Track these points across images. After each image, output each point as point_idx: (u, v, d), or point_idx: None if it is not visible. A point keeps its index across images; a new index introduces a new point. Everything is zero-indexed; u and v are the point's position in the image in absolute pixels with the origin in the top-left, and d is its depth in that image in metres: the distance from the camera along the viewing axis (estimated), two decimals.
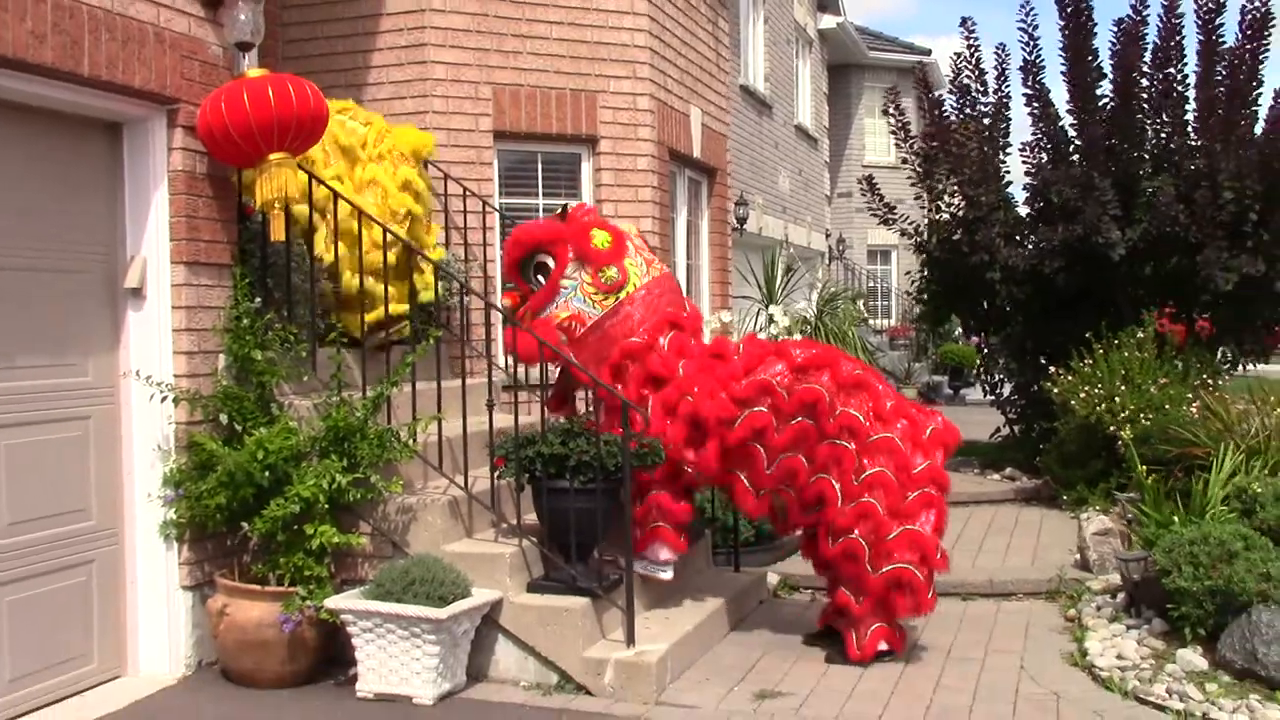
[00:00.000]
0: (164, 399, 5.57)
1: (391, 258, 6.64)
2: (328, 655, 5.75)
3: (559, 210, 6.43)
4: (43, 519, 5.24)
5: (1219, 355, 10.70)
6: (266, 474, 5.52)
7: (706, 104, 10.68)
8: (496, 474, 6.09)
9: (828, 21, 22.88)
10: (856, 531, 5.84)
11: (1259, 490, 6.45)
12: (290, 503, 5.49)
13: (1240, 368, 11.02)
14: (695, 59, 10.35)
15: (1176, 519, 6.58)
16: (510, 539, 6.05)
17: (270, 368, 5.82)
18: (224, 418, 5.71)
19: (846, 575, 5.97)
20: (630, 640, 5.66)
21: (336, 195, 6.34)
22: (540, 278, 6.23)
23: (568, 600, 5.72)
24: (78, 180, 5.46)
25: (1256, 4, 10.17)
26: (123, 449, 5.67)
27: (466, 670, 5.62)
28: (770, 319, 10.64)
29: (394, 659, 5.43)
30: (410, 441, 5.95)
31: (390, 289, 6.61)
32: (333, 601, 5.50)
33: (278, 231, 5.98)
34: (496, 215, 8.33)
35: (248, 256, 6.13)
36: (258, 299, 6.02)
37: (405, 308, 6.96)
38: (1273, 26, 10.13)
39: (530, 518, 6.08)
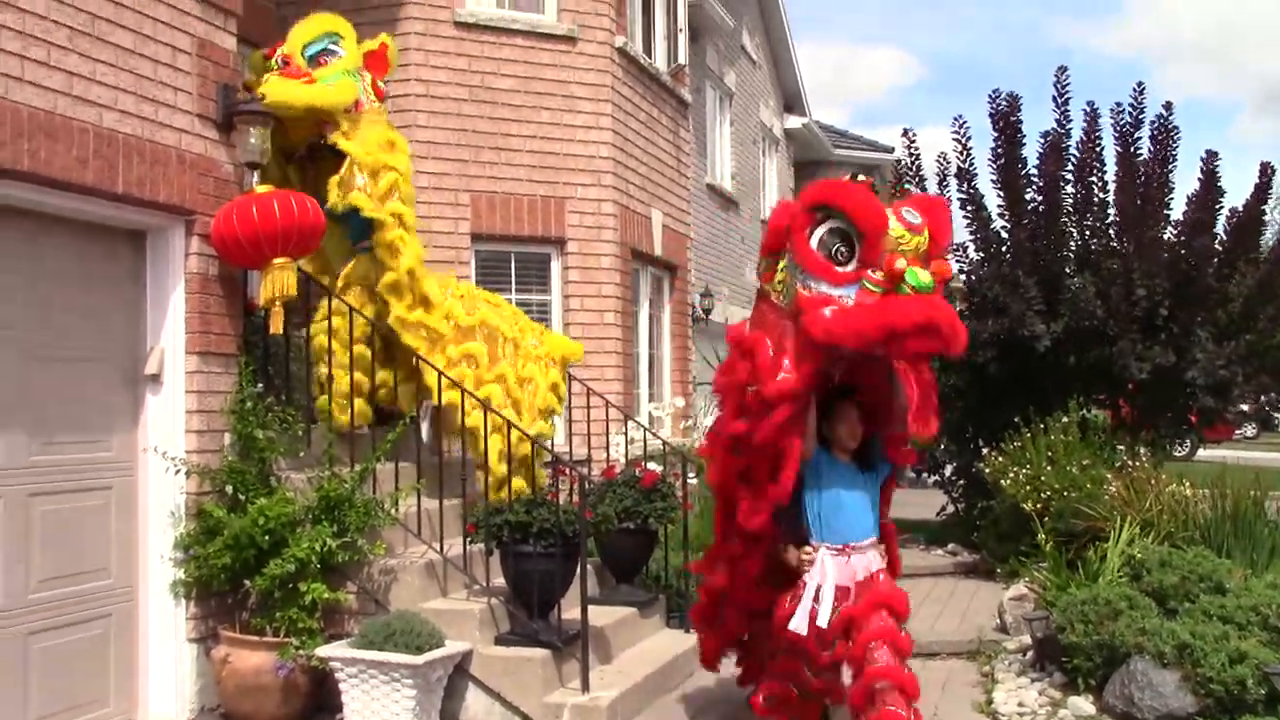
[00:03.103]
0: (177, 472, 6.36)
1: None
2: (318, 701, 6.48)
3: None
4: (70, 576, 6.00)
5: (1168, 440, 11.56)
6: (266, 538, 6.30)
7: (667, 207, 11.65)
8: (468, 539, 6.88)
9: (794, 121, 24.05)
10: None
11: (1143, 557, 7.29)
12: (287, 563, 6.27)
13: (1193, 452, 11.86)
14: (657, 166, 11.34)
15: (1074, 584, 7.40)
16: (480, 598, 6.82)
17: (270, 445, 6.62)
18: (229, 489, 6.50)
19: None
20: (585, 688, 6.40)
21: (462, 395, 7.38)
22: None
23: (530, 652, 6.47)
24: (108, 281, 6.31)
25: (1165, 117, 11.24)
26: (139, 515, 6.44)
27: (440, 714, 6.34)
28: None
29: (376, 702, 6.16)
30: (393, 510, 6.75)
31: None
32: (323, 650, 6.24)
33: (277, 325, 6.81)
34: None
35: (251, 347, 6.97)
36: (260, 384, 6.84)
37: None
38: (1179, 140, 11.18)
39: (499, 579, 6.85)
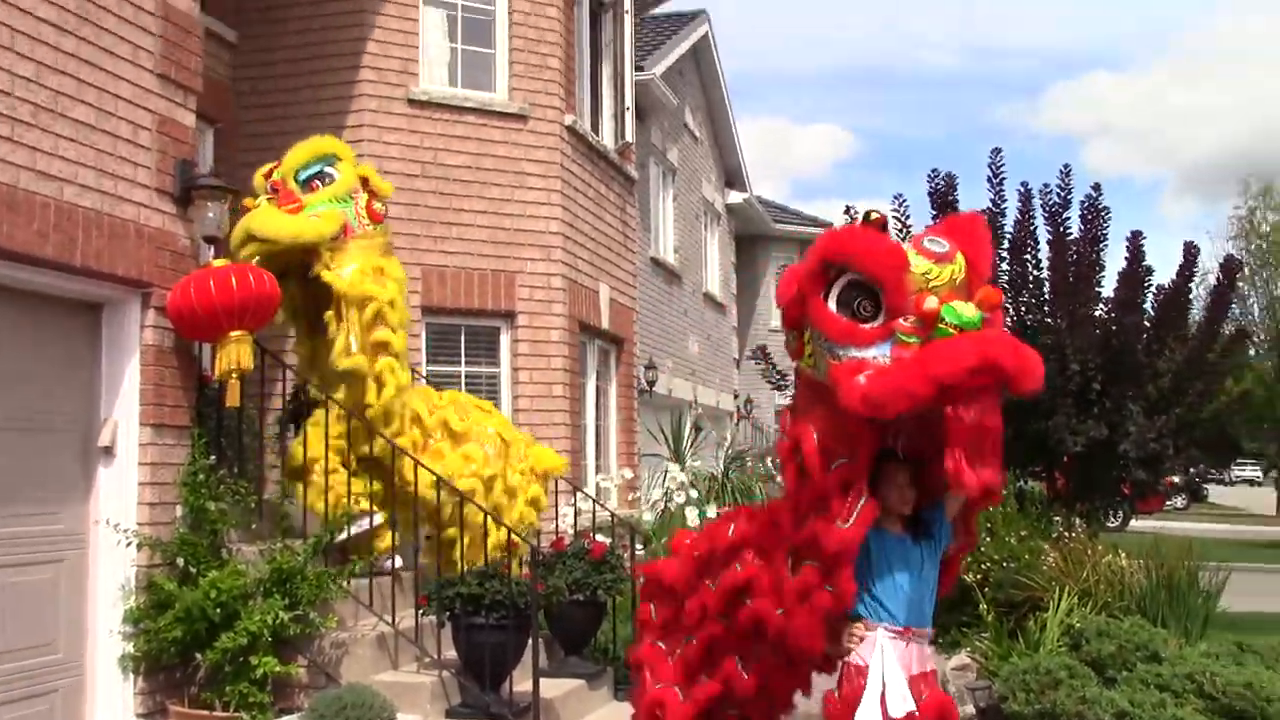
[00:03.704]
0: (128, 544, 6.33)
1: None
2: None
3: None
4: (18, 651, 5.92)
5: (1102, 512, 11.85)
6: (218, 610, 6.28)
7: (615, 281, 11.84)
8: (420, 612, 6.90)
9: (735, 197, 24.50)
10: None
11: (1081, 626, 7.47)
12: (239, 636, 6.25)
13: (1125, 523, 12.18)
14: (605, 241, 11.55)
15: (1015, 653, 7.56)
16: (431, 670, 6.83)
17: (222, 517, 6.63)
18: (181, 561, 6.48)
19: None
20: None
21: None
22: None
23: None
24: (64, 353, 6.31)
25: (1094, 197, 11.66)
26: (89, 588, 6.39)
27: None
28: (670, 475, 11.60)
29: None
30: (345, 583, 6.76)
31: None
32: None
33: (233, 398, 6.84)
34: (424, 381, 9.28)
35: (204, 419, 6.99)
36: (213, 456, 6.85)
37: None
38: (1109, 219, 11.60)
39: (450, 652, 6.87)
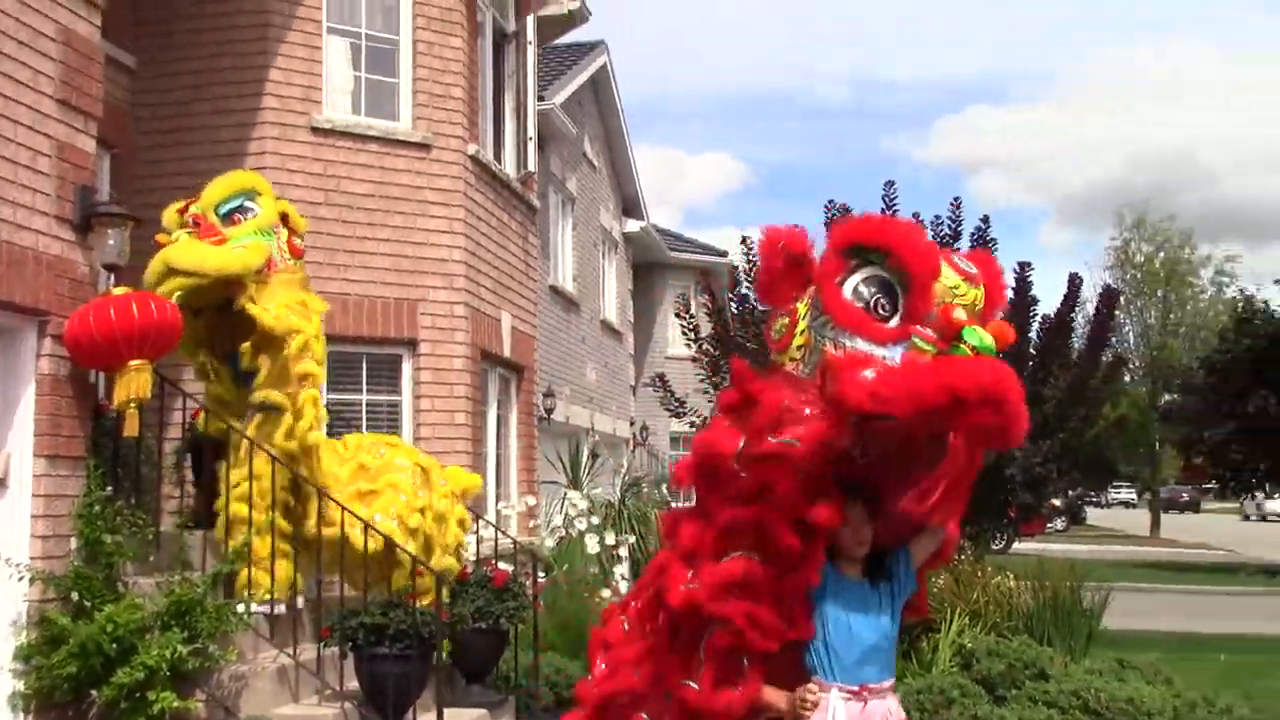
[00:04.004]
0: (20, 579, 6.19)
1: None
2: None
3: None
4: None
5: (989, 535, 12.19)
6: (114, 645, 6.15)
7: (516, 309, 11.90)
8: (322, 643, 6.85)
9: (632, 225, 24.74)
10: None
11: (973, 646, 7.72)
12: (136, 671, 6.13)
13: (1008, 545, 12.56)
14: (507, 269, 11.60)
15: (909, 673, 7.77)
16: (333, 702, 6.79)
17: (119, 549, 6.50)
18: (75, 595, 6.34)
19: None
20: None
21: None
22: None
23: None
24: None
25: (983, 229, 12.07)
26: None
27: None
28: (571, 503, 11.67)
29: None
30: (245, 615, 6.69)
31: None
32: None
33: (131, 428, 6.73)
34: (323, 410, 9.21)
35: (100, 449, 6.86)
36: (109, 487, 6.73)
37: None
38: (996, 250, 12.03)
39: (352, 683, 6.83)
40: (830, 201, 12.46)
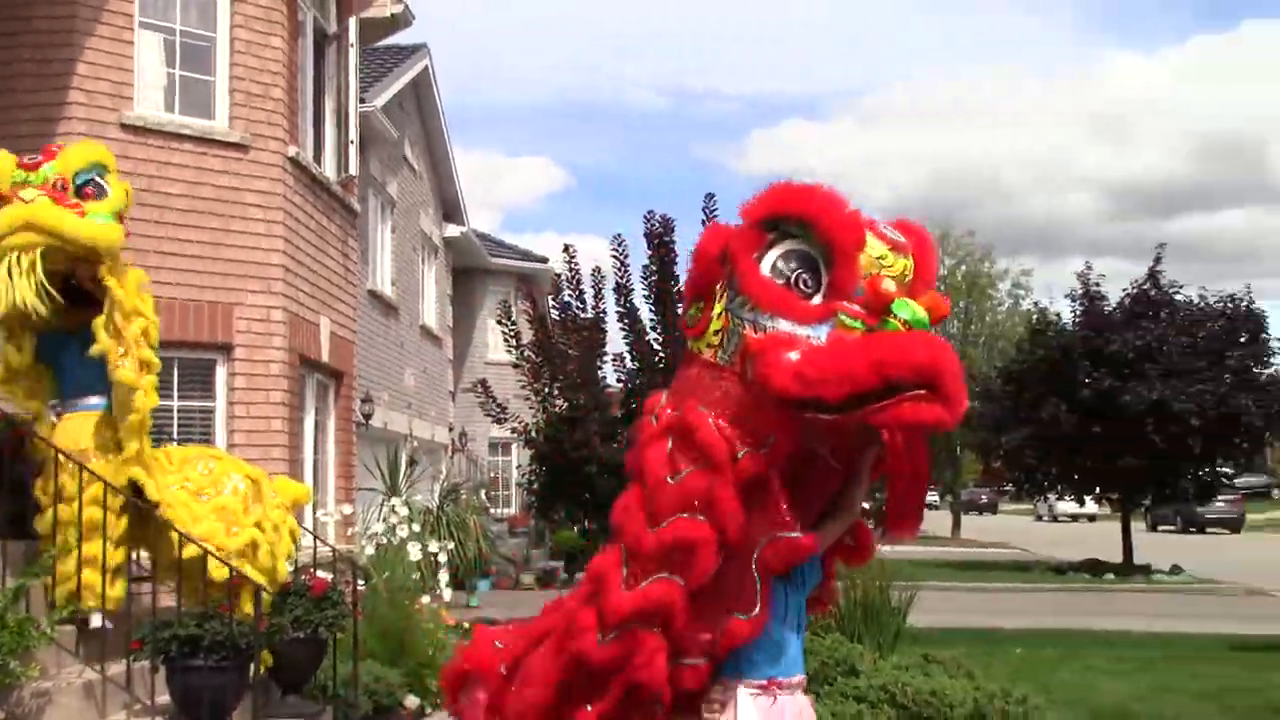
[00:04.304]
0: None
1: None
2: None
3: None
4: None
5: None
6: None
7: (336, 314, 11.73)
8: (132, 656, 6.64)
9: (452, 230, 24.60)
10: None
11: None
12: None
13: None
14: (326, 274, 11.42)
15: None
16: (143, 717, 6.59)
17: None
18: None
19: None
20: None
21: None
22: None
23: None
24: None
25: None
26: None
27: None
28: (392, 509, 11.56)
29: None
30: (50, 629, 6.43)
31: None
32: None
33: None
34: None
35: None
36: None
37: None
38: None
39: (164, 697, 6.64)
40: (650, 212, 12.68)
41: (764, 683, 3.56)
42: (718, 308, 3.50)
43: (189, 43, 9.98)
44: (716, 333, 3.52)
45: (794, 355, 3.24)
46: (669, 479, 3.39)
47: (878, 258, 3.41)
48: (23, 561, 6.80)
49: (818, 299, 3.36)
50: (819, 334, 3.31)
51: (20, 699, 6.37)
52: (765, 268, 3.41)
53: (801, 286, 3.37)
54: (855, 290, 3.34)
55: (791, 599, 3.67)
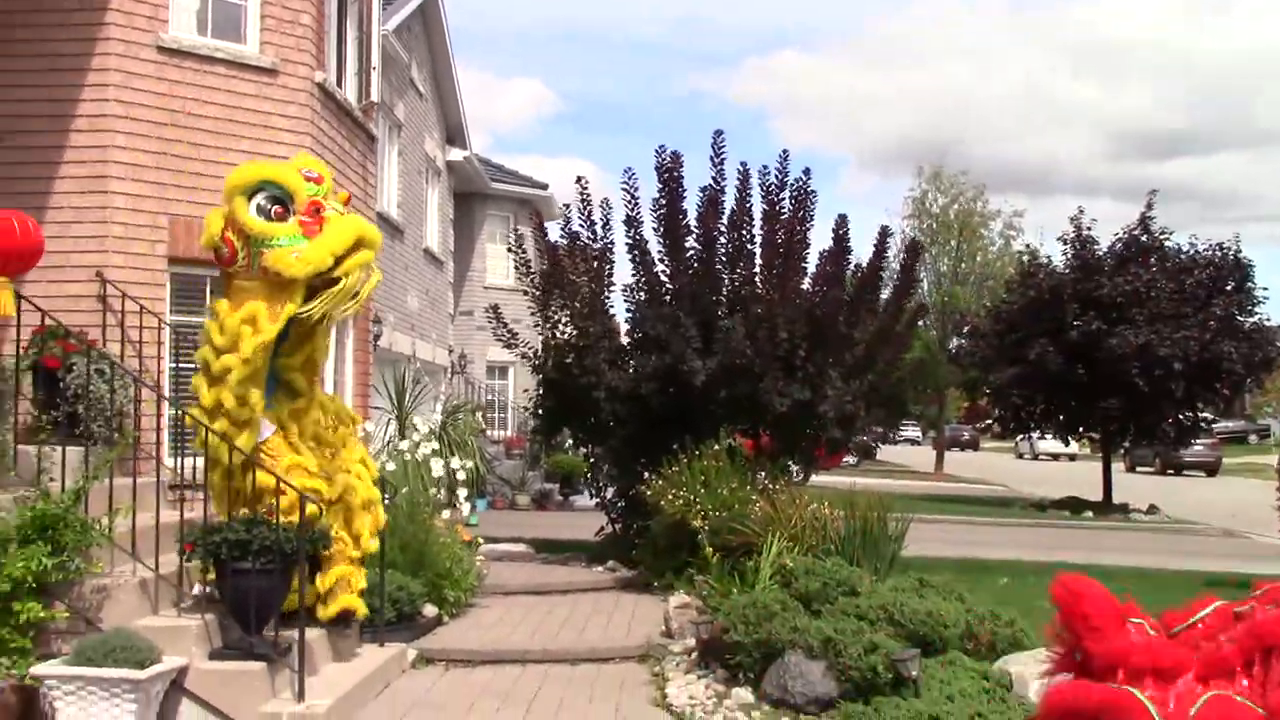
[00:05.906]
0: None
1: None
2: None
3: None
4: None
5: (792, 468, 13.00)
6: None
7: None
8: (185, 557, 7.07)
9: (455, 154, 24.72)
10: None
11: (793, 566, 8.46)
12: (2, 583, 6.26)
13: (807, 477, 13.39)
14: (350, 191, 11.68)
15: (735, 590, 8.47)
16: (194, 614, 7.03)
17: None
18: None
19: None
20: (300, 696, 6.77)
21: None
22: None
23: (246, 665, 6.77)
24: None
25: (804, 180, 12.78)
26: None
27: None
28: (414, 427, 11.94)
29: (94, 719, 6.26)
30: (108, 529, 6.84)
31: None
32: (38, 669, 6.28)
33: None
34: (168, 330, 9.26)
35: None
36: None
37: None
38: (815, 201, 12.75)
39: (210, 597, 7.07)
40: (661, 146, 12.96)
41: None
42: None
43: None
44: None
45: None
46: None
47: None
48: (81, 466, 7.18)
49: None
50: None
51: (81, 593, 6.80)
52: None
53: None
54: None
55: None
